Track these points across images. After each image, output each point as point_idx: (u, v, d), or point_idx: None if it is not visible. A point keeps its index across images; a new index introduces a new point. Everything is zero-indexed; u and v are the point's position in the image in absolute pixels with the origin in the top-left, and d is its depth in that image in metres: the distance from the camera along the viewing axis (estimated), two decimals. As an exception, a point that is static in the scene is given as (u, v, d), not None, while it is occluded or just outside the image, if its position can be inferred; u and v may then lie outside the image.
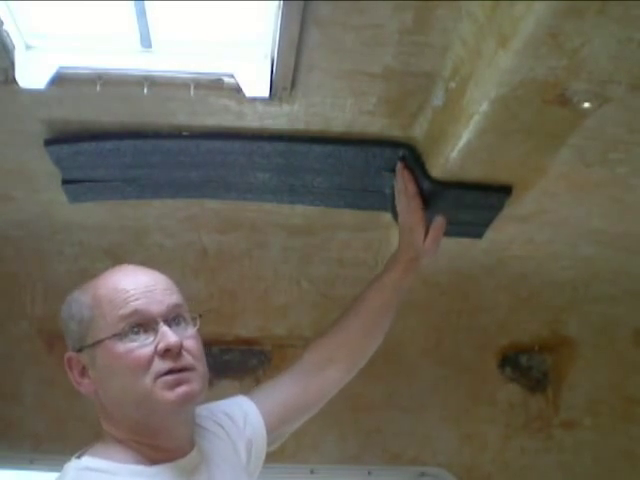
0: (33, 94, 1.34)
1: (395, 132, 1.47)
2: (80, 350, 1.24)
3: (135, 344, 1.19)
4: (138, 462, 1.21)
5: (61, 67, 1.29)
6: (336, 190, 1.68)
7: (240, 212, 1.82)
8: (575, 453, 2.12)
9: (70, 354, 1.25)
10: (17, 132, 1.51)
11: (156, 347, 1.19)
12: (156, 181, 1.68)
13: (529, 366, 2.14)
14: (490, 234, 1.72)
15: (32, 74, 1.29)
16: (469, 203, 1.55)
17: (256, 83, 1.33)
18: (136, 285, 1.25)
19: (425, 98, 1.36)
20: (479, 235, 1.73)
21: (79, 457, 1.22)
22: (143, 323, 1.21)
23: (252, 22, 1.27)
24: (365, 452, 2.08)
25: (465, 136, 1.29)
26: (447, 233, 1.71)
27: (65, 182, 1.66)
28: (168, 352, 1.19)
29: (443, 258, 1.90)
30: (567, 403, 2.14)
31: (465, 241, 1.76)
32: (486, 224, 1.67)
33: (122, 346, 1.19)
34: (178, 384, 1.19)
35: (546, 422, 2.13)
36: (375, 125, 1.45)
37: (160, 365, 1.19)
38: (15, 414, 2.02)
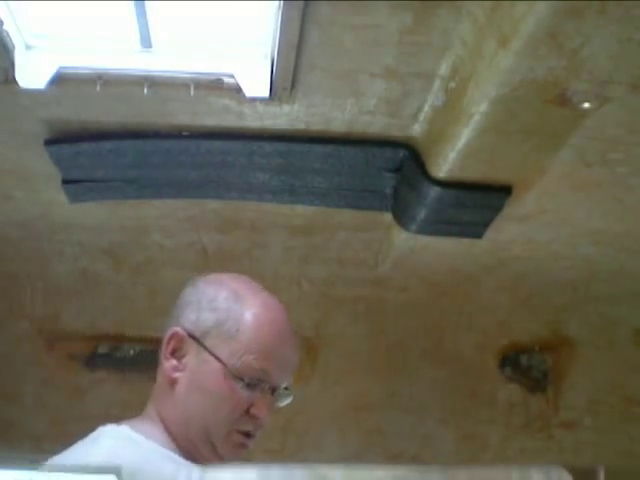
0: (33, 94, 1.34)
1: (395, 132, 1.47)
2: (191, 336, 1.19)
3: (239, 387, 1.18)
4: (171, 448, 1.19)
5: (61, 67, 1.29)
6: (336, 190, 1.68)
7: (240, 212, 1.82)
8: (575, 453, 2.12)
9: (180, 331, 1.19)
10: (17, 132, 1.51)
11: (250, 405, 1.19)
12: (156, 181, 1.68)
13: (529, 366, 2.14)
14: (490, 234, 1.72)
15: (32, 74, 1.29)
16: (469, 203, 1.55)
17: (256, 83, 1.33)
18: (283, 354, 1.22)
19: (425, 98, 1.35)
20: (479, 235, 1.73)
21: (118, 425, 1.20)
22: (260, 382, 1.19)
23: (252, 22, 1.27)
24: (366, 451, 2.08)
25: (465, 136, 1.29)
26: (447, 233, 1.71)
27: (65, 182, 1.66)
28: (255, 419, 1.20)
29: (443, 258, 1.90)
30: (567, 403, 2.13)
31: (465, 241, 1.76)
32: (486, 224, 1.67)
33: (230, 382, 1.17)
34: (243, 446, 1.21)
35: (546, 422, 2.13)
36: (375, 125, 1.45)
37: (245, 424, 1.20)
38: (15, 414, 2.02)
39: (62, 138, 1.52)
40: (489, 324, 2.12)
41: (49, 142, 1.52)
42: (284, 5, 1.11)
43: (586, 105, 1.18)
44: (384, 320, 2.10)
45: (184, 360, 1.19)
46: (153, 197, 1.75)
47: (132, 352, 2.04)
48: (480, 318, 2.12)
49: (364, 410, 2.08)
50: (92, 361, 2.02)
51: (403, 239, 1.78)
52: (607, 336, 2.14)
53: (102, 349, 2.03)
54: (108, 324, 2.03)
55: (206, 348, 1.18)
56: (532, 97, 1.15)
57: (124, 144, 1.54)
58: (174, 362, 1.20)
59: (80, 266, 2.00)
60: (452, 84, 1.27)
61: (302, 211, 1.79)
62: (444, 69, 1.26)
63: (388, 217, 1.75)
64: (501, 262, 1.96)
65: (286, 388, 1.25)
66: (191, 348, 1.19)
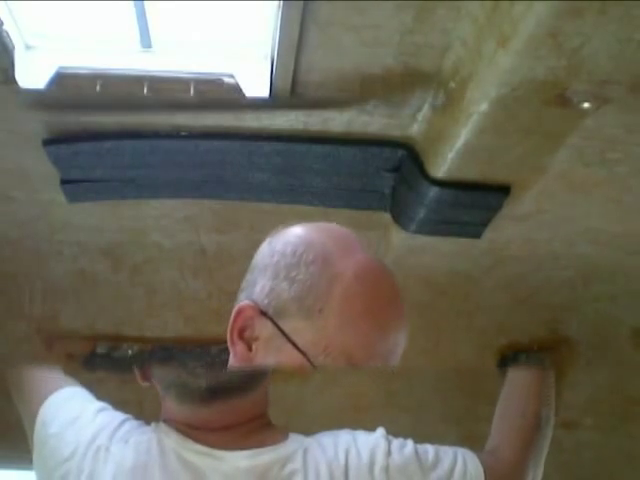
0: (32, 94, 1.34)
1: (394, 132, 1.47)
2: (263, 314, 0.93)
3: None
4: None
5: (61, 67, 1.29)
6: (335, 190, 1.68)
7: (239, 212, 1.82)
8: (575, 453, 2.12)
9: (250, 306, 0.94)
10: (16, 132, 1.51)
11: None
12: (155, 181, 1.67)
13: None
14: (489, 234, 1.72)
15: (32, 74, 1.29)
16: (468, 203, 1.55)
17: (256, 83, 1.33)
18: (384, 342, 0.94)
19: (424, 98, 1.36)
20: (478, 235, 1.73)
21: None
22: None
23: (252, 22, 1.27)
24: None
25: (464, 136, 1.29)
26: (446, 233, 1.71)
27: (64, 182, 1.65)
28: None
29: (442, 258, 1.91)
30: (567, 403, 2.13)
31: (464, 241, 1.76)
32: (485, 224, 1.67)
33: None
34: None
35: (545, 422, 2.13)
36: (374, 125, 1.45)
37: None
38: (15, 414, 2.02)
39: (61, 138, 1.52)
40: (488, 324, 2.12)
41: (48, 142, 1.52)
42: (284, 5, 1.12)
43: (585, 105, 1.18)
44: (383, 320, 2.09)
45: (255, 345, 0.94)
46: (152, 197, 1.75)
47: (130, 352, 2.04)
48: (479, 318, 2.12)
49: (364, 410, 2.08)
50: (91, 361, 2.02)
51: (402, 239, 1.78)
52: (606, 336, 2.14)
53: (101, 349, 2.03)
54: (107, 324, 2.03)
55: (282, 331, 0.92)
56: (531, 97, 1.15)
57: (123, 144, 1.53)
58: (243, 346, 0.94)
59: (79, 266, 2.00)
60: (452, 84, 1.27)
61: (301, 211, 1.79)
62: (444, 69, 1.26)
63: (387, 217, 1.75)
64: (500, 262, 1.96)
65: None
66: (264, 329, 0.93)
